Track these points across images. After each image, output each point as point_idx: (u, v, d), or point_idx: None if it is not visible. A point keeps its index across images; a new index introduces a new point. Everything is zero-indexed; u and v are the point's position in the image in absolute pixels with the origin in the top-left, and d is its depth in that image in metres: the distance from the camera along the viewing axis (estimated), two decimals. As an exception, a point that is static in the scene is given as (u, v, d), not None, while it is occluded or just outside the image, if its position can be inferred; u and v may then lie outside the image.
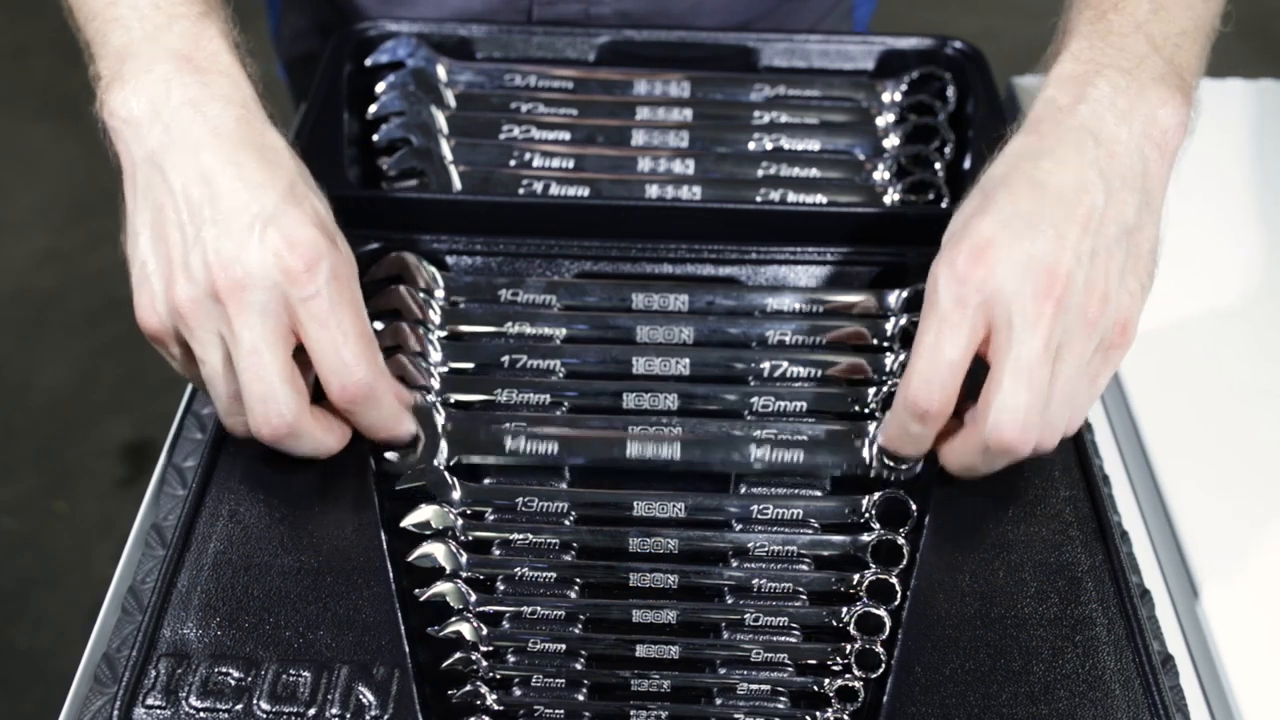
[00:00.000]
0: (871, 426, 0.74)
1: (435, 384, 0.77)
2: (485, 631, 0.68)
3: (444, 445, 0.74)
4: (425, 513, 0.71)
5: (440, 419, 0.75)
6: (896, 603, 0.68)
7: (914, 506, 0.72)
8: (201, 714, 0.63)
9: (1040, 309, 0.64)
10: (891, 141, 0.94)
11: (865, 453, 0.74)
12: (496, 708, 0.65)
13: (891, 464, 0.73)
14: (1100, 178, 0.67)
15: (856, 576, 0.70)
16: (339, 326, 0.67)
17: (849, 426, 0.75)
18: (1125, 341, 0.68)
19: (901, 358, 0.78)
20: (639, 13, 1.06)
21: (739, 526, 0.72)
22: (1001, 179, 0.69)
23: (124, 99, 0.69)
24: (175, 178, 0.68)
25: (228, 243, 0.66)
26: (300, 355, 0.69)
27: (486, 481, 0.75)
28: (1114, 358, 0.68)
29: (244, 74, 0.72)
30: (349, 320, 0.68)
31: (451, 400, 0.77)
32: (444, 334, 0.80)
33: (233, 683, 0.64)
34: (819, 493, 0.74)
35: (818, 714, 0.65)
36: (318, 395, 0.71)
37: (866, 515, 0.72)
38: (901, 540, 0.71)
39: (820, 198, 0.90)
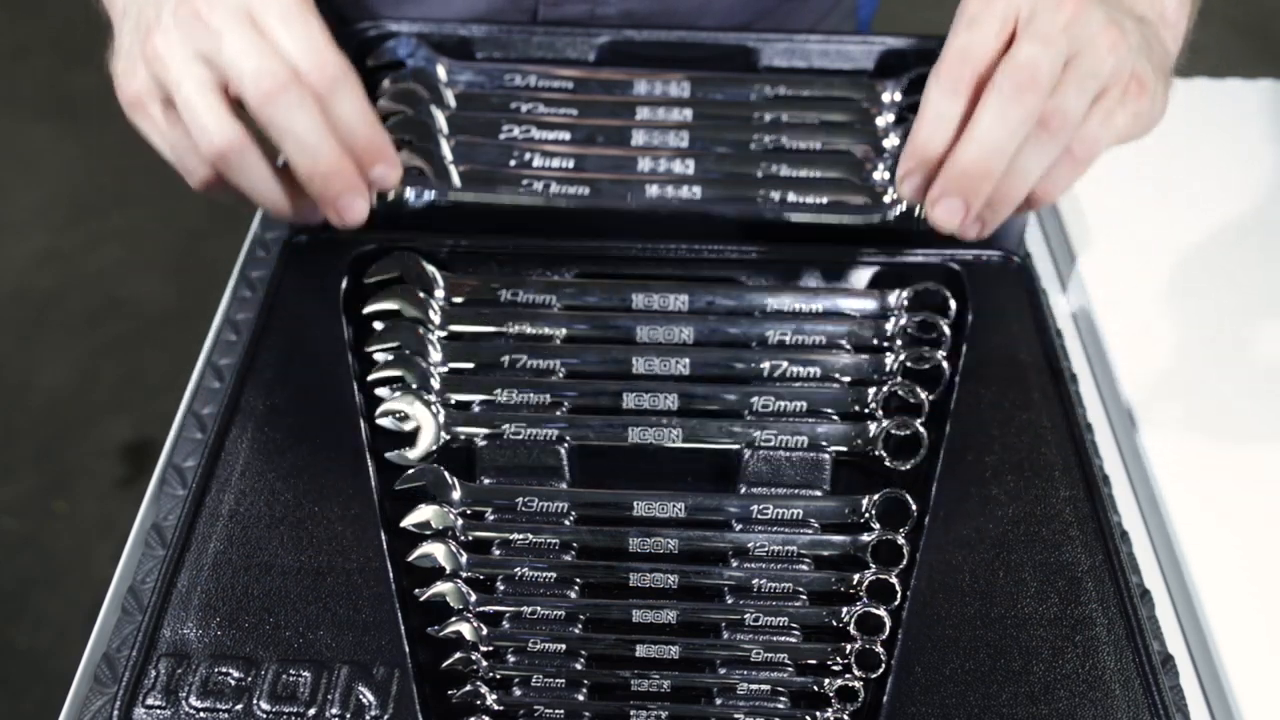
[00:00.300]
0: (865, 537, 0.73)
1: (436, 384, 0.77)
2: (485, 631, 0.68)
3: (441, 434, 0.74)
4: (425, 513, 0.71)
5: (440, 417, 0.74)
6: (896, 603, 0.68)
7: (914, 506, 0.72)
8: (201, 714, 0.63)
9: (1054, 18, 0.67)
10: (891, 141, 0.94)
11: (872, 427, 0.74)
12: (496, 708, 0.65)
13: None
14: None
15: (856, 576, 0.70)
16: (304, 23, 0.70)
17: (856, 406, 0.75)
18: (1143, 94, 0.70)
19: (901, 357, 0.78)
20: (644, 14, 1.06)
21: (739, 526, 0.72)
22: None
23: None
24: None
25: None
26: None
27: (486, 482, 0.75)
28: (1131, 106, 0.70)
29: None
30: (315, 23, 0.71)
31: (452, 400, 0.77)
32: (444, 334, 0.80)
33: (233, 683, 0.64)
34: (819, 492, 0.74)
35: (818, 714, 0.65)
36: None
37: (866, 515, 0.72)
38: (901, 540, 0.71)
39: (820, 198, 0.90)
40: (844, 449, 0.74)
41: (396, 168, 0.74)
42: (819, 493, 0.74)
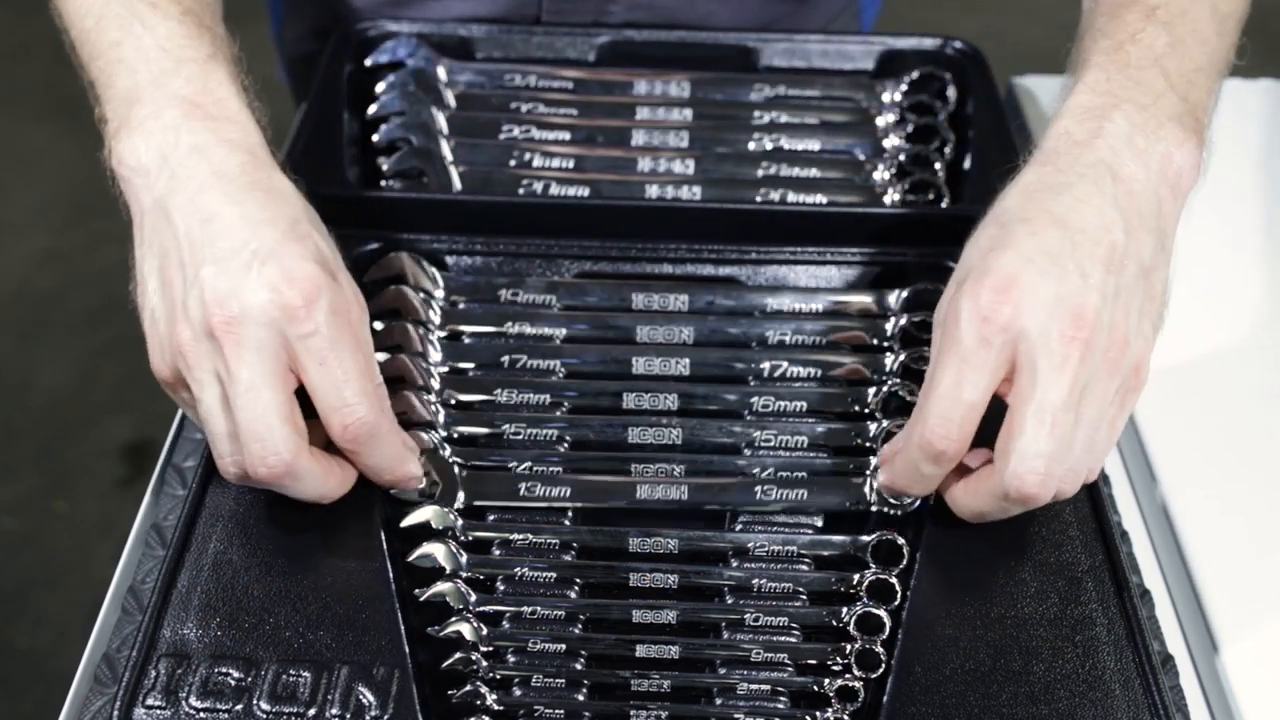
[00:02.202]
0: (872, 460, 0.73)
1: (436, 384, 0.77)
2: (485, 631, 0.68)
3: (460, 494, 0.73)
4: (425, 513, 0.71)
5: (456, 470, 0.74)
6: (896, 603, 0.68)
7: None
8: (201, 714, 0.63)
9: (1067, 352, 0.62)
10: (892, 141, 0.94)
11: (866, 489, 0.73)
12: (496, 708, 0.65)
13: (894, 502, 0.72)
14: (1120, 216, 0.65)
15: (856, 576, 0.70)
16: (340, 365, 0.65)
17: (850, 463, 0.74)
18: (1139, 384, 0.66)
19: (901, 358, 0.78)
20: (649, 21, 1.06)
21: (739, 526, 0.72)
22: (1019, 212, 0.67)
23: (132, 147, 0.68)
24: (178, 220, 0.66)
25: (224, 280, 0.64)
26: (304, 400, 0.67)
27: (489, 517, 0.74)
28: (1130, 401, 0.66)
29: (252, 119, 0.71)
30: (349, 358, 0.66)
31: (452, 400, 0.77)
32: (444, 334, 0.80)
33: (233, 683, 0.64)
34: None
35: (818, 714, 0.65)
36: (328, 446, 0.69)
37: (864, 503, 0.72)
38: (901, 540, 0.71)
39: (820, 198, 0.90)
40: (833, 545, 0.73)
41: (415, 477, 0.72)
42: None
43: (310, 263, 0.65)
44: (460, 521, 0.72)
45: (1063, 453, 0.63)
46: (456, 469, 0.73)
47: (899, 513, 0.72)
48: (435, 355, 0.79)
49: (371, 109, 0.94)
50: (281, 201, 0.68)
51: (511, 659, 0.67)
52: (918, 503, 0.72)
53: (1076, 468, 0.65)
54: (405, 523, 0.71)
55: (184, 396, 0.70)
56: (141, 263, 0.69)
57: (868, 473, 0.73)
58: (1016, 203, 0.68)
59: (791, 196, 0.90)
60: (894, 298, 0.82)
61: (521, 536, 0.71)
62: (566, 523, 0.73)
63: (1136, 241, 0.66)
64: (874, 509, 0.72)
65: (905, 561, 0.70)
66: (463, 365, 0.79)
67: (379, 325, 0.79)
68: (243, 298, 0.64)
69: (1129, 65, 0.70)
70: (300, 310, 0.64)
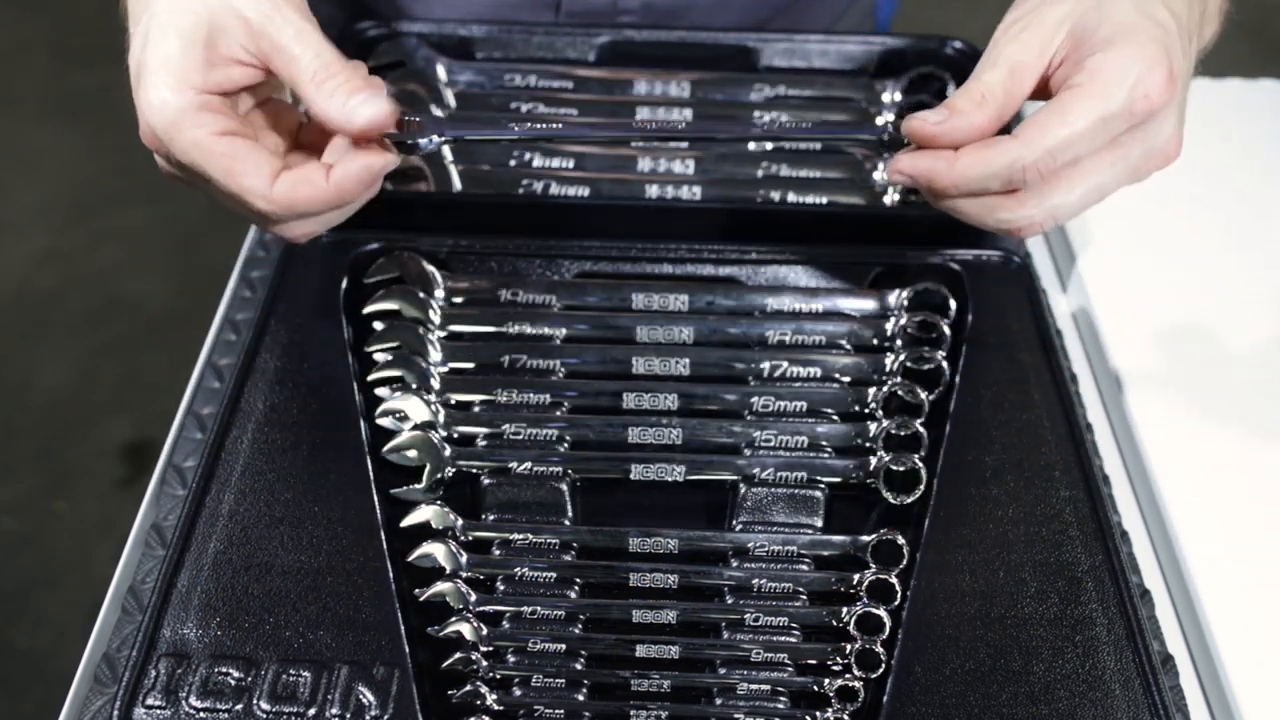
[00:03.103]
0: (872, 461, 0.73)
1: (436, 384, 0.77)
2: (485, 631, 0.68)
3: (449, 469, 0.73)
4: (425, 513, 0.71)
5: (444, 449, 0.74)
6: (896, 603, 0.68)
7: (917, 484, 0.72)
8: (201, 714, 0.63)
9: (1152, 160, 0.66)
10: (892, 141, 0.94)
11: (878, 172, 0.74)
12: (496, 708, 0.65)
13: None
14: (1196, 42, 0.70)
15: (856, 576, 0.70)
16: (225, 177, 0.65)
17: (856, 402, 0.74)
18: (1161, 164, 0.68)
19: (901, 357, 0.78)
20: (664, 7, 1.06)
21: (739, 526, 0.72)
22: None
23: (131, 49, 0.70)
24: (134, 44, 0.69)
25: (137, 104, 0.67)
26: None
27: (490, 518, 0.74)
28: (1142, 170, 0.68)
29: None
30: (228, 166, 0.65)
31: (452, 400, 0.77)
32: (444, 334, 0.80)
33: (233, 683, 0.64)
34: (818, 492, 0.74)
35: (818, 714, 0.65)
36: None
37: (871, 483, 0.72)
38: (901, 540, 0.71)
39: (820, 198, 0.90)
40: (833, 545, 0.73)
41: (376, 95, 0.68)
42: (818, 494, 0.74)
43: (163, 90, 0.65)
44: (460, 521, 0.72)
45: (1080, 175, 0.65)
46: (443, 447, 0.73)
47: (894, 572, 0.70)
48: (435, 355, 0.79)
49: (371, 109, 0.94)
50: (189, 23, 0.66)
51: (511, 659, 0.67)
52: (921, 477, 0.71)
53: (1064, 204, 0.66)
54: (405, 523, 0.71)
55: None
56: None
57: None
58: None
59: (791, 196, 0.90)
60: (894, 298, 0.82)
61: (521, 536, 0.71)
62: (566, 523, 0.73)
63: (1189, 59, 0.69)
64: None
65: (905, 561, 0.70)
66: (463, 365, 0.79)
67: (379, 325, 0.79)
68: (143, 132, 0.67)
69: None
70: (161, 146, 0.66)
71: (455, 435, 0.75)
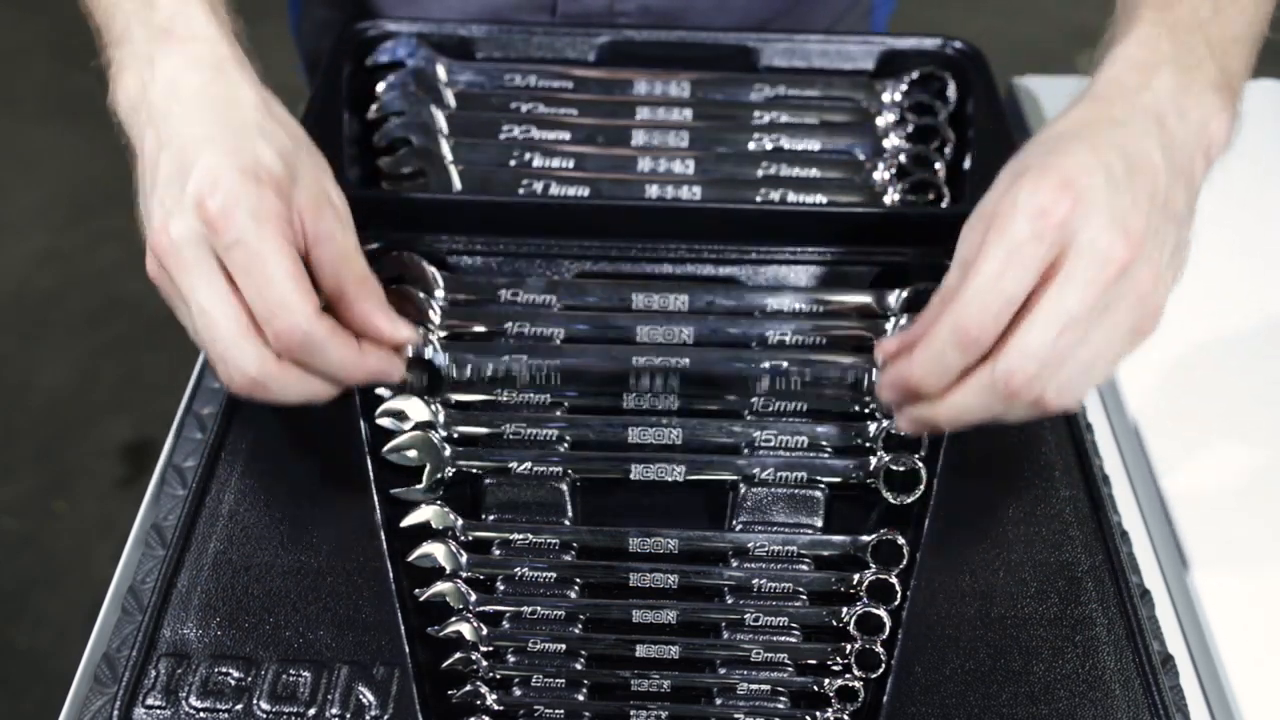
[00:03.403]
0: (872, 461, 0.73)
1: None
2: (485, 631, 0.68)
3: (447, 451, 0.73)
4: (425, 513, 0.71)
5: (444, 448, 0.74)
6: (896, 603, 0.68)
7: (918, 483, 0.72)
8: (201, 714, 0.63)
9: (1104, 269, 0.61)
10: (892, 141, 0.94)
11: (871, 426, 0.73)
12: (496, 708, 0.65)
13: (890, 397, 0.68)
14: (1165, 161, 0.65)
15: (856, 576, 0.70)
16: (262, 272, 0.63)
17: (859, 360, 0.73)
18: (1151, 330, 0.65)
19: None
20: (661, 10, 1.06)
21: (739, 526, 0.72)
22: (1077, 133, 0.66)
23: (123, 87, 0.70)
24: (148, 150, 0.67)
25: (166, 206, 0.64)
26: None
27: (490, 518, 0.74)
28: (1137, 343, 0.65)
29: (222, 32, 0.71)
30: (275, 263, 0.63)
31: (452, 400, 0.77)
32: (444, 334, 0.80)
33: (233, 683, 0.64)
34: (818, 493, 0.74)
35: (818, 714, 0.65)
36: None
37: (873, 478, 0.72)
38: (901, 540, 0.71)
39: (820, 198, 0.90)
40: (833, 545, 0.73)
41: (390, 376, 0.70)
42: (818, 494, 0.74)
43: (233, 171, 0.64)
44: (460, 521, 0.72)
45: (1060, 362, 0.62)
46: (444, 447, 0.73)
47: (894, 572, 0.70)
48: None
49: (372, 109, 0.94)
50: (232, 113, 0.67)
51: (511, 659, 0.67)
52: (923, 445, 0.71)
53: (1066, 385, 0.63)
54: (405, 523, 0.71)
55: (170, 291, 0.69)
56: (136, 197, 0.69)
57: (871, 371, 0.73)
58: (1072, 128, 0.67)
59: (791, 196, 0.90)
60: (894, 298, 0.82)
61: (521, 537, 0.71)
62: (567, 523, 0.73)
63: (1175, 189, 0.65)
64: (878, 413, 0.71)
65: (905, 561, 0.70)
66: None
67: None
68: (175, 221, 0.64)
69: (1177, 27, 0.70)
70: (218, 221, 0.63)
71: (455, 435, 0.75)
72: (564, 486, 0.74)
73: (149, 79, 0.69)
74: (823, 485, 0.74)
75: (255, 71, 0.73)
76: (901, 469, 0.73)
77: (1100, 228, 0.62)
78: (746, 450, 0.76)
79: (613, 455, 0.75)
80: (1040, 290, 0.63)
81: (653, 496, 0.75)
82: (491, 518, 0.73)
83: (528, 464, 0.74)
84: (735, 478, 0.74)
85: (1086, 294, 0.61)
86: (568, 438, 0.76)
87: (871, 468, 0.74)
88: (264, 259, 0.63)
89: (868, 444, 0.75)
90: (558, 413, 0.77)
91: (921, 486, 0.73)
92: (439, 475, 0.73)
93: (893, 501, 0.73)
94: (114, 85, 0.71)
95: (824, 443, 0.76)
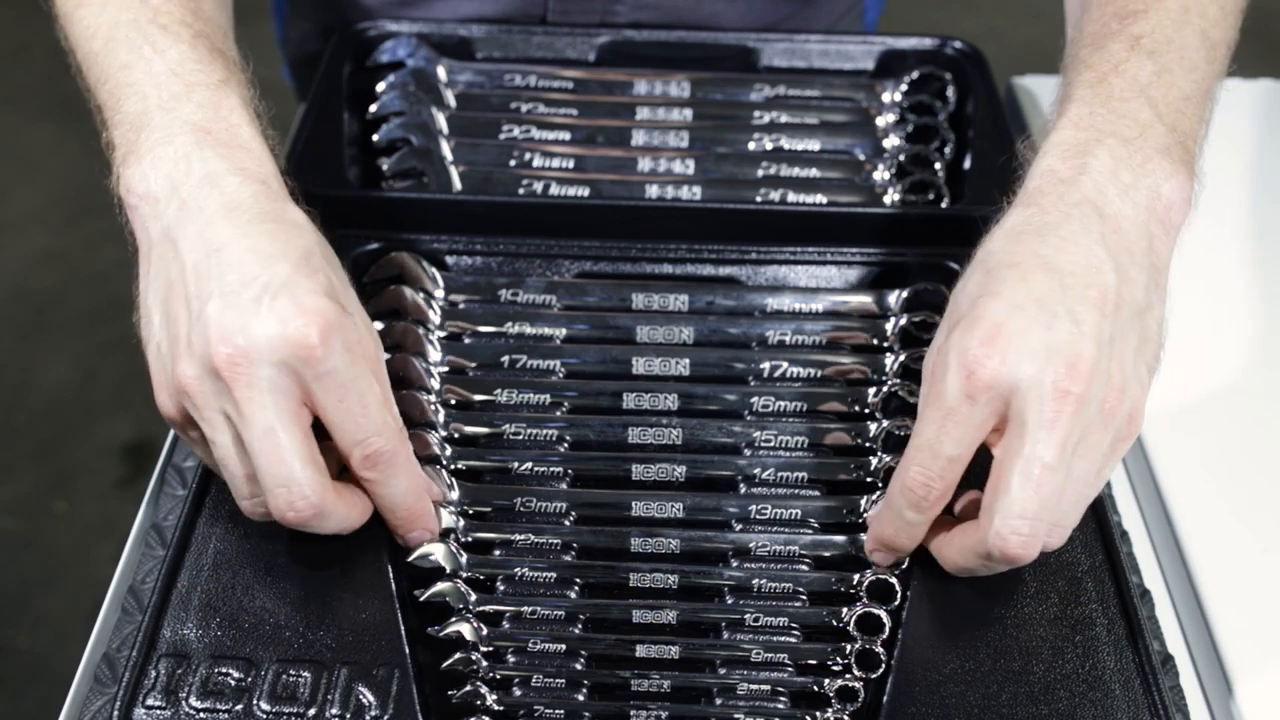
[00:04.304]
0: (864, 501, 0.72)
1: (436, 384, 0.77)
2: (485, 631, 0.68)
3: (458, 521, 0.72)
4: None
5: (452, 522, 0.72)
6: (896, 603, 0.68)
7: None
8: (201, 714, 0.63)
9: (1060, 407, 0.59)
10: (892, 141, 0.94)
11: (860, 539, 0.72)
12: (496, 708, 0.65)
13: (883, 566, 0.69)
14: (1109, 255, 0.63)
15: (856, 576, 0.70)
16: (359, 398, 0.63)
17: (843, 502, 0.73)
18: (1133, 433, 0.63)
19: (902, 358, 0.78)
20: (652, 23, 1.06)
21: (739, 526, 0.72)
22: (1005, 257, 0.64)
23: (141, 174, 0.66)
24: (186, 251, 0.64)
25: (231, 314, 0.61)
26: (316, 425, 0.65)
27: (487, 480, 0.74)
28: (1121, 450, 0.63)
29: (265, 147, 0.69)
30: (368, 390, 0.64)
31: (452, 401, 0.77)
32: (444, 334, 0.80)
33: (233, 683, 0.64)
34: (817, 493, 0.74)
35: (818, 714, 0.65)
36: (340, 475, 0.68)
37: (864, 517, 0.72)
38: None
39: (820, 198, 0.90)
40: (833, 545, 0.72)
41: (432, 534, 0.70)
42: (817, 493, 0.74)
43: (323, 297, 0.63)
44: (461, 522, 0.72)
45: (1049, 512, 0.61)
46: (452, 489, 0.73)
47: (894, 572, 0.70)
48: (435, 355, 0.79)
49: (371, 109, 0.94)
50: (295, 234, 0.65)
51: (511, 659, 0.67)
52: (906, 561, 0.70)
53: (1063, 523, 0.62)
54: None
55: (193, 435, 0.67)
56: (146, 294, 0.66)
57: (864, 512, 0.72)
58: (1001, 246, 0.65)
59: (791, 196, 0.90)
60: (894, 298, 0.82)
61: (522, 537, 0.71)
62: (567, 523, 0.73)
63: (1128, 281, 0.63)
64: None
65: (905, 562, 0.70)
66: (462, 365, 0.79)
67: (379, 325, 0.79)
68: (251, 333, 0.61)
69: (1113, 98, 0.68)
70: (317, 348, 0.61)
71: (455, 435, 0.75)
72: (564, 487, 0.74)
73: (182, 176, 0.65)
74: (822, 485, 0.74)
75: (259, 109, 0.72)
76: (905, 433, 0.73)
77: (1041, 368, 0.60)
78: (747, 450, 0.76)
79: (613, 455, 0.75)
80: (1004, 446, 0.61)
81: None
82: (492, 518, 0.73)
83: (528, 464, 0.74)
84: (735, 477, 0.74)
85: (1054, 437, 0.59)
86: (568, 438, 0.76)
87: (871, 467, 0.74)
88: (361, 385, 0.63)
89: (868, 444, 0.75)
90: (558, 413, 0.77)
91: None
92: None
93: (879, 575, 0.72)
94: (124, 169, 0.67)
95: (824, 443, 0.76)
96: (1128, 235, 0.64)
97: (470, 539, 0.71)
